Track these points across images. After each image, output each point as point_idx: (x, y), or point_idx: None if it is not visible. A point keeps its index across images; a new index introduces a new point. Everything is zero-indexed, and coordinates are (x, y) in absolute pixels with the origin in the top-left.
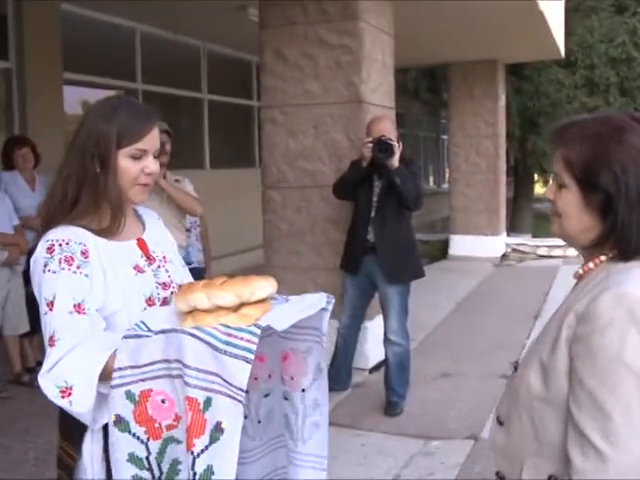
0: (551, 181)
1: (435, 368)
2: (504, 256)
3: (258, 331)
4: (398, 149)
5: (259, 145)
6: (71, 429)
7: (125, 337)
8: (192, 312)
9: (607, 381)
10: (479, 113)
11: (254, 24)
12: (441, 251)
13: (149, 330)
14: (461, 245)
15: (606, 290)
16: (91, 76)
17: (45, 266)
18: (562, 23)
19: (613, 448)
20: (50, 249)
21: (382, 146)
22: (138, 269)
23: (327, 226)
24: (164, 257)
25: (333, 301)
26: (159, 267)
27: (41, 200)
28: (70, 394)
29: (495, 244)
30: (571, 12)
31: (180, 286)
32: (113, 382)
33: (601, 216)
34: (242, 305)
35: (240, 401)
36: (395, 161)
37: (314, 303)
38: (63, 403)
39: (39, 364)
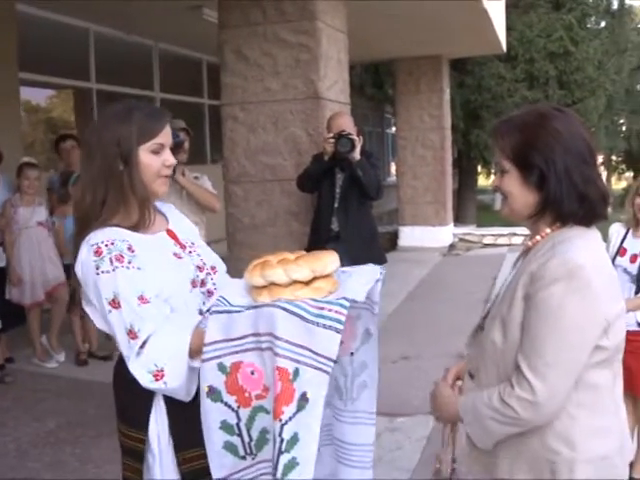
0: (495, 172)
1: (395, 352)
2: (452, 246)
3: (347, 303)
4: (359, 143)
5: (210, 142)
6: (133, 415)
7: (215, 312)
8: (267, 286)
9: (545, 328)
10: (424, 107)
11: (207, 23)
12: (390, 242)
13: (230, 305)
14: (410, 236)
15: (553, 257)
16: (46, 76)
17: (97, 268)
18: (503, 19)
19: (541, 382)
20: (98, 252)
21: (344, 141)
22: (177, 256)
23: (288, 218)
24: (192, 243)
25: (384, 272)
26: (191, 252)
27: (4, 198)
28: (163, 376)
29: (443, 234)
30: (511, 8)
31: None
32: (205, 355)
33: (538, 190)
34: (314, 279)
35: (327, 372)
36: (357, 154)
37: (372, 275)
38: (158, 385)
39: (8, 361)
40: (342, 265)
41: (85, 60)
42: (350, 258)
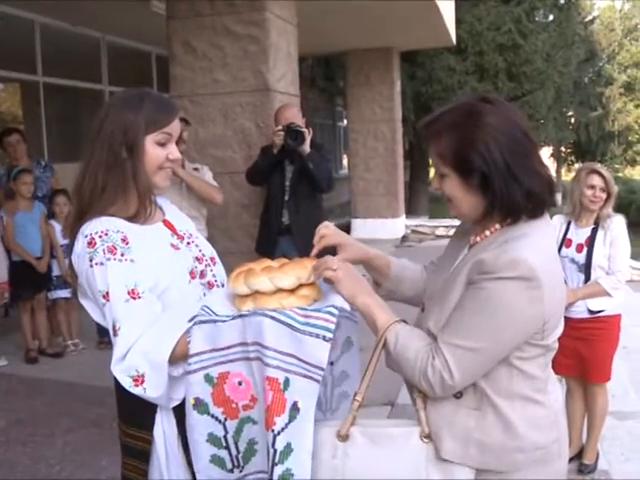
0: (434, 173)
1: None
2: (404, 237)
3: (336, 311)
4: (308, 135)
5: None
6: (137, 414)
7: (200, 322)
8: (252, 295)
9: (480, 315)
10: (376, 99)
11: (156, 15)
12: None
13: (215, 314)
14: (363, 228)
15: (505, 253)
16: None
17: (91, 260)
18: (453, 12)
19: (457, 366)
20: (91, 243)
21: (293, 134)
22: (174, 247)
23: (238, 211)
24: (190, 234)
25: (367, 277)
26: (189, 244)
27: None
28: (143, 382)
29: (395, 226)
30: (460, 1)
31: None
32: (191, 367)
33: (483, 192)
34: (299, 287)
35: (317, 380)
36: (307, 147)
37: None
38: (137, 391)
39: None
40: (292, 258)
41: (31, 53)
42: (301, 251)
